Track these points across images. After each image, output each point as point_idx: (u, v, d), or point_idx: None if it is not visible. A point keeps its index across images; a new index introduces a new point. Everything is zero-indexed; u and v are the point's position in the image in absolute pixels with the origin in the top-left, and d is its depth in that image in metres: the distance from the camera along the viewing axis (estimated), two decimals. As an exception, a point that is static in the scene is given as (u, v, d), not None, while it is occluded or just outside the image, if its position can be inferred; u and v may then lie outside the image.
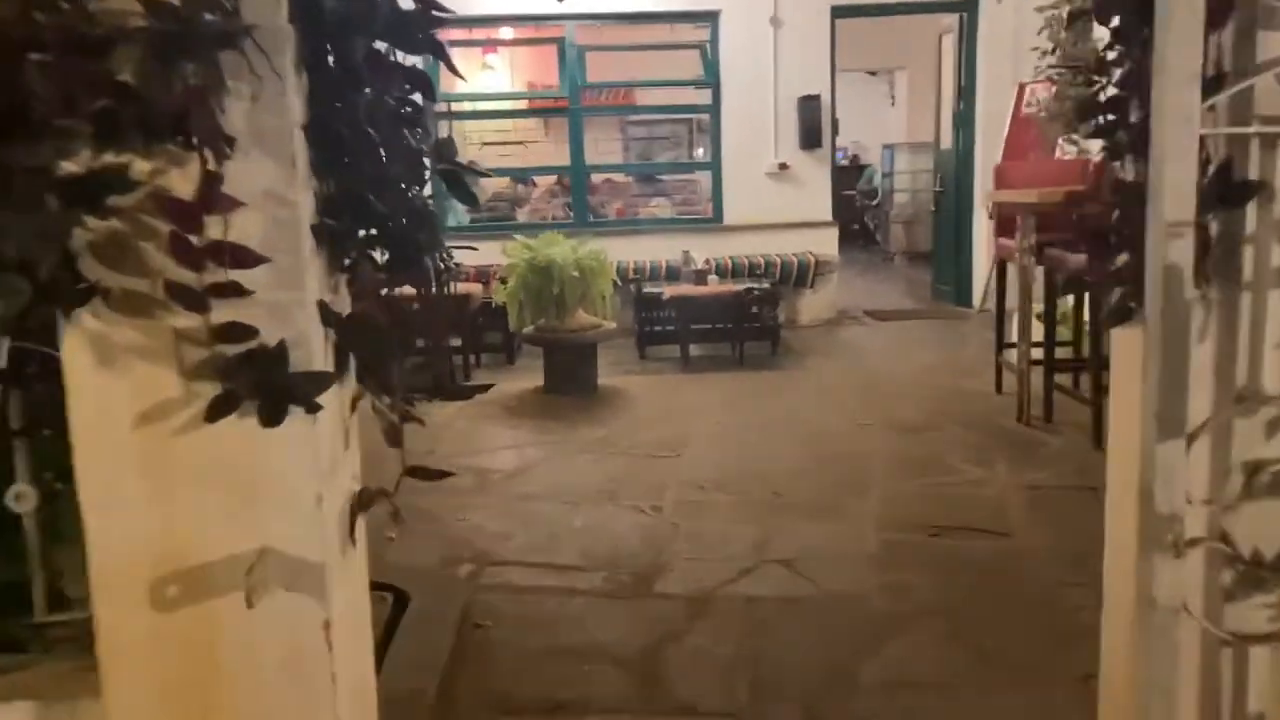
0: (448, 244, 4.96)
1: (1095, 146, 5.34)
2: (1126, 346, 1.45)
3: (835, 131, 8.67)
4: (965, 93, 8.34)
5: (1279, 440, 1.33)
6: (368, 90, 1.29)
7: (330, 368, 1.24)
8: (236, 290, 1.12)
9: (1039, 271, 4.74)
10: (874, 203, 14.24)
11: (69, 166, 1.09)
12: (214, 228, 1.11)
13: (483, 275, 7.06)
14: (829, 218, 8.27)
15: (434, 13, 1.30)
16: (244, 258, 1.11)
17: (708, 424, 5.01)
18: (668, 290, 6.82)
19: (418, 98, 1.40)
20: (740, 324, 6.69)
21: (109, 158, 1.10)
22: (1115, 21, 1.37)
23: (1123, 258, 1.40)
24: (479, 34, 8.98)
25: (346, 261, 1.29)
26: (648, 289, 7.06)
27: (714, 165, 8.34)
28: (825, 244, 8.15)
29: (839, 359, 6.78)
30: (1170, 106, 1.17)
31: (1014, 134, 7.10)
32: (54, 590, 1.47)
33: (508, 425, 5.19)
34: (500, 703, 2.42)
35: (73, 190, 1.09)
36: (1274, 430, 1.33)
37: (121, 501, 1.18)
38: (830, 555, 3.25)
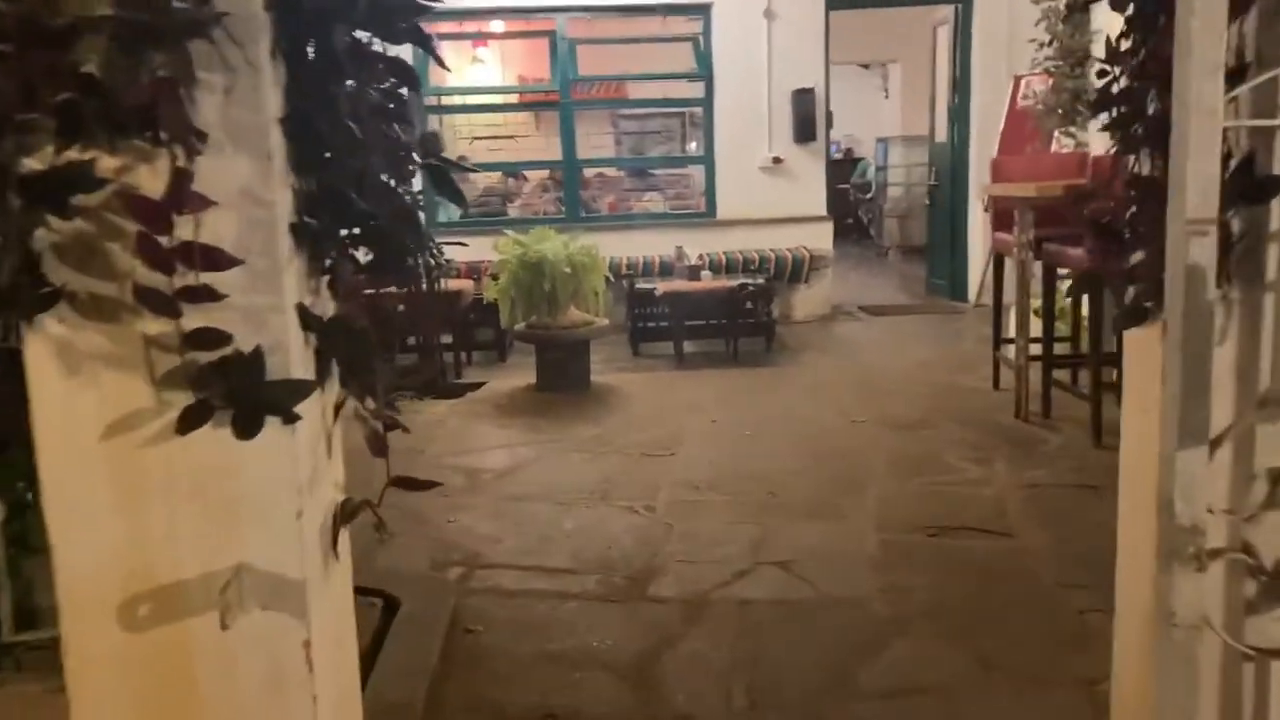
0: (438, 240, 4.89)
1: (1094, 140, 5.32)
2: (1141, 348, 1.40)
3: (829, 125, 8.62)
4: (960, 85, 8.29)
5: (1302, 446, 1.28)
6: (349, 82, 1.23)
7: (310, 374, 1.17)
8: (209, 294, 1.05)
9: (1037, 267, 4.69)
10: (868, 197, 14.19)
11: (30, 163, 1.03)
12: (185, 228, 1.05)
13: (474, 271, 7.00)
14: (823, 212, 8.21)
15: (418, 1, 1.24)
16: (217, 259, 1.05)
17: (702, 422, 4.96)
18: (661, 286, 6.76)
19: (403, 91, 1.34)
20: (734, 320, 6.63)
21: (73, 154, 1.04)
22: (1130, 9, 1.31)
23: (1137, 256, 1.35)
24: (469, 27, 8.89)
25: (327, 262, 1.22)
26: (641, 285, 7.00)
27: (707, 159, 8.28)
28: (820, 239, 8.09)
29: (834, 355, 6.73)
30: (1193, 98, 1.12)
31: (1009, 127, 7.06)
32: (26, 607, 1.41)
33: (499, 424, 5.13)
34: (491, 711, 2.36)
35: (35, 188, 1.03)
36: (1297, 436, 1.28)
37: (89, 516, 1.12)
38: (827, 556, 3.20)
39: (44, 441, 1.11)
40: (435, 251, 5.07)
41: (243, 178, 1.07)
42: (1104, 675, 2.29)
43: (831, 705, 2.34)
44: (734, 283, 6.74)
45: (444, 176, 1.26)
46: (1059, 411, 4.65)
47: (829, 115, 8.42)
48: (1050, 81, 5.98)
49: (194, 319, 1.07)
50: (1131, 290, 1.36)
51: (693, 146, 10.63)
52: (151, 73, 1.02)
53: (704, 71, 8.11)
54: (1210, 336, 1.14)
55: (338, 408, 1.32)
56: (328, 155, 1.18)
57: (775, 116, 8.07)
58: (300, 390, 1.09)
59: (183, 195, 1.03)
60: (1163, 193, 1.20)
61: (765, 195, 8.10)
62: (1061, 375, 4.85)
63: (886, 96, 14.48)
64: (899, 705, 2.34)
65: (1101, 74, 1.38)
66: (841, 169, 13.37)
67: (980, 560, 3.13)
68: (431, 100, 8.52)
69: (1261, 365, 1.26)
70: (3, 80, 1.01)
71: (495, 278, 5.84)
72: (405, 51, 1.30)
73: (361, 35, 1.25)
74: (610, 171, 9.98)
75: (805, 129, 8.02)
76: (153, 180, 1.05)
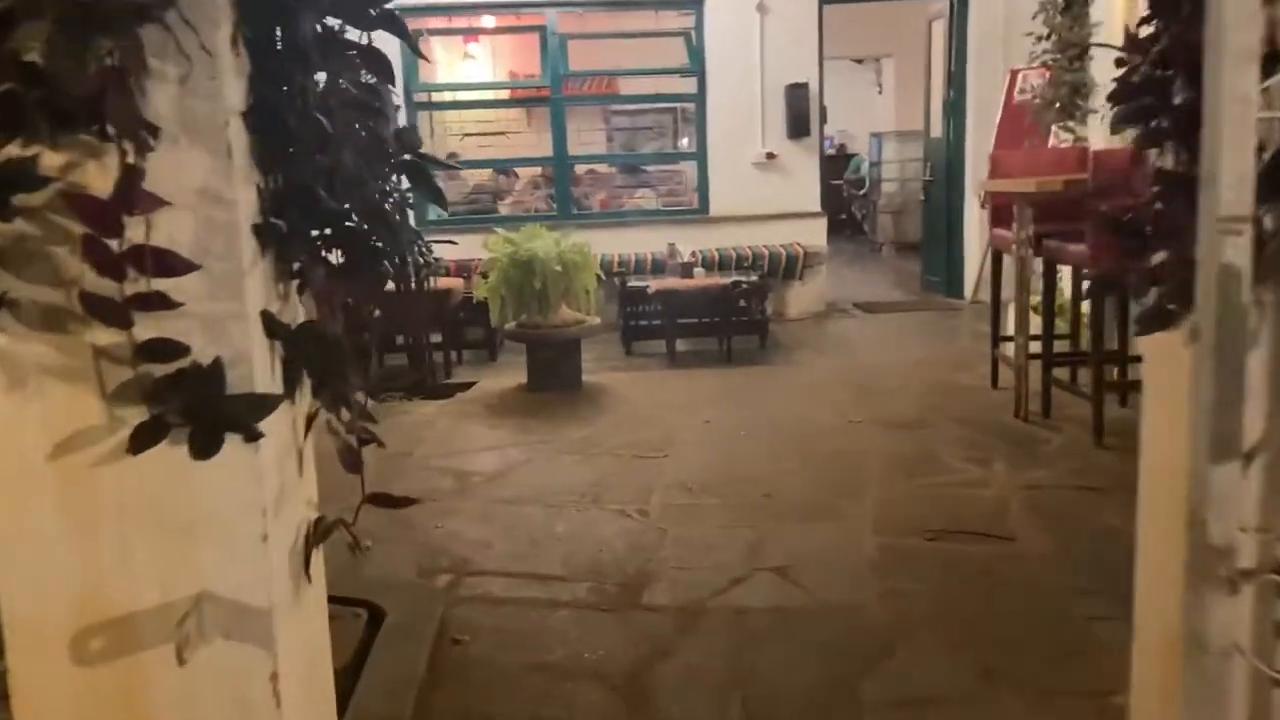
0: (427, 238, 4.75)
1: (1093, 134, 5.24)
2: (1163, 354, 1.32)
3: (823, 120, 8.53)
4: (955, 80, 8.21)
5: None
6: (319, 73, 1.14)
7: (277, 387, 1.09)
8: (163, 301, 0.97)
9: (1037, 263, 4.62)
10: (861, 192, 14.12)
11: (-33, 160, 0.95)
12: (136, 230, 0.96)
13: (464, 269, 6.91)
14: (817, 208, 8.14)
15: (393, -15, 1.16)
16: (171, 264, 0.97)
17: (695, 422, 4.88)
18: (653, 284, 6.68)
19: (378, 82, 1.25)
20: (727, 318, 6.55)
21: (14, 150, 0.95)
22: (1153, -7, 1.23)
23: (1161, 255, 1.27)
24: (460, 22, 8.78)
25: (296, 266, 1.14)
26: (633, 283, 6.91)
27: (699, 155, 8.19)
28: (814, 235, 8.01)
29: (829, 353, 6.65)
30: (1225, 87, 1.04)
31: (1006, 122, 6.99)
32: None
33: (489, 425, 5.04)
34: (480, 727, 2.28)
35: (-28, 187, 0.95)
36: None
37: (37, 541, 1.03)
38: (825, 562, 3.12)
39: (-13, 461, 1.03)
40: (424, 250, 4.95)
41: (200, 175, 0.99)
42: (1114, 687, 2.23)
43: (831, 718, 2.26)
44: (727, 280, 6.66)
45: (421, 174, 1.17)
46: (1059, 411, 4.58)
47: (823, 110, 8.34)
48: (1048, 75, 5.90)
49: (147, 329, 0.98)
50: (1154, 292, 1.28)
51: (685, 142, 10.55)
52: (99, 61, 0.94)
53: (696, 66, 8.02)
54: (1245, 342, 1.06)
55: (310, 419, 1.24)
56: (295, 151, 1.10)
57: (768, 112, 7.99)
58: (264, 405, 1.01)
59: (133, 194, 0.94)
60: (1190, 188, 1.12)
61: (758, 191, 8.02)
62: (1061, 374, 4.78)
63: (880, 91, 14.41)
64: (902, 718, 2.27)
65: (1120, 63, 1.30)
66: (835, 165, 13.29)
67: (982, 565, 3.05)
68: (422, 97, 8.42)
69: (1296, 373, 1.18)
70: (-63, 70, 0.92)
71: (485, 276, 5.75)
72: (392, 46, 1.22)
73: (333, 22, 1.16)
74: (602, 168, 9.88)
75: (799, 124, 7.94)
76: (101, 178, 0.96)
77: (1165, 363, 1.30)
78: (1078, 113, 5.50)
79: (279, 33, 1.07)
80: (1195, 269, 1.16)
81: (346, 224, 1.18)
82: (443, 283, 6.25)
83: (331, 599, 2.60)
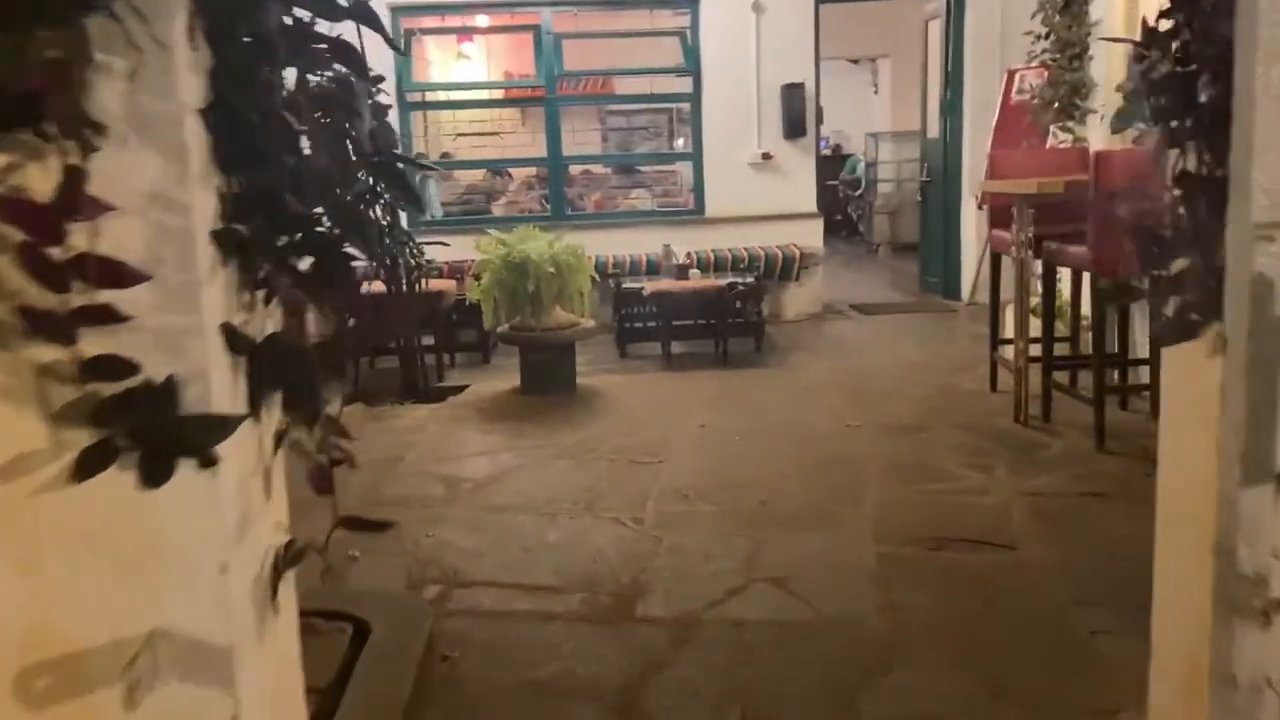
0: (419, 239, 4.66)
1: (1092, 134, 5.16)
2: (1184, 366, 1.25)
3: (819, 120, 8.47)
4: (952, 80, 8.15)
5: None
6: (286, 68, 1.06)
7: (239, 405, 1.01)
8: (110, 315, 0.89)
9: (1037, 265, 4.56)
10: (857, 193, 14.06)
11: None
12: (82, 237, 0.89)
13: (457, 271, 6.83)
14: (814, 209, 8.07)
15: (365, -27, 1.08)
16: (119, 274, 0.89)
17: (691, 426, 4.80)
18: (648, 285, 6.60)
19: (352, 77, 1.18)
20: (723, 320, 6.48)
21: (-53, 150, 0.88)
22: (1174, -15, 1.16)
23: (1182, 262, 1.19)
24: (454, 21, 8.70)
25: (262, 274, 1.06)
26: (628, 284, 6.83)
27: (695, 156, 8.12)
28: (810, 236, 7.94)
29: (826, 355, 6.58)
30: (1259, 85, 0.96)
31: (1003, 122, 6.92)
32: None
33: (481, 429, 4.97)
34: (468, 748, 2.21)
35: (-98, 191, 0.87)
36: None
37: (-23, 574, 0.96)
38: (824, 572, 3.05)
39: (-77, 487, 0.95)
40: (415, 251, 4.86)
41: (151, 177, 0.91)
42: (1121, 705, 2.16)
43: (831, 738, 2.20)
44: (723, 282, 6.58)
45: (396, 176, 1.09)
46: (1059, 415, 4.51)
47: (819, 110, 8.27)
48: (1046, 75, 5.84)
49: (94, 344, 0.91)
50: (1175, 301, 1.20)
51: (680, 143, 10.47)
52: (39, 54, 0.86)
53: (691, 66, 7.94)
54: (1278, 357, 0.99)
55: (280, 436, 1.16)
56: (259, 151, 1.02)
57: (764, 112, 7.92)
58: (222, 427, 0.93)
59: (76, 198, 0.87)
60: (1214, 192, 1.05)
61: (754, 192, 7.94)
62: (1060, 377, 4.71)
63: (876, 92, 14.35)
64: (903, 738, 2.20)
65: (1139, 58, 1.23)
66: (830, 165, 13.21)
67: (983, 575, 2.98)
68: (415, 96, 8.34)
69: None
70: None
71: (478, 278, 5.68)
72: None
73: (302, 14, 1.09)
74: (597, 168, 9.80)
75: (795, 124, 7.87)
76: (42, 181, 0.88)
77: (1186, 375, 1.22)
78: (1077, 113, 5.43)
79: (241, 24, 0.99)
80: (1222, 278, 1.08)
81: (317, 229, 1.10)
82: (435, 284, 6.16)
83: (315, 613, 2.53)
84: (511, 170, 9.71)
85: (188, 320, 0.93)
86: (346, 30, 1.15)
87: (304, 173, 1.06)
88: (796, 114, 7.84)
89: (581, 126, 10.57)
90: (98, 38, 0.88)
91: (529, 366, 5.61)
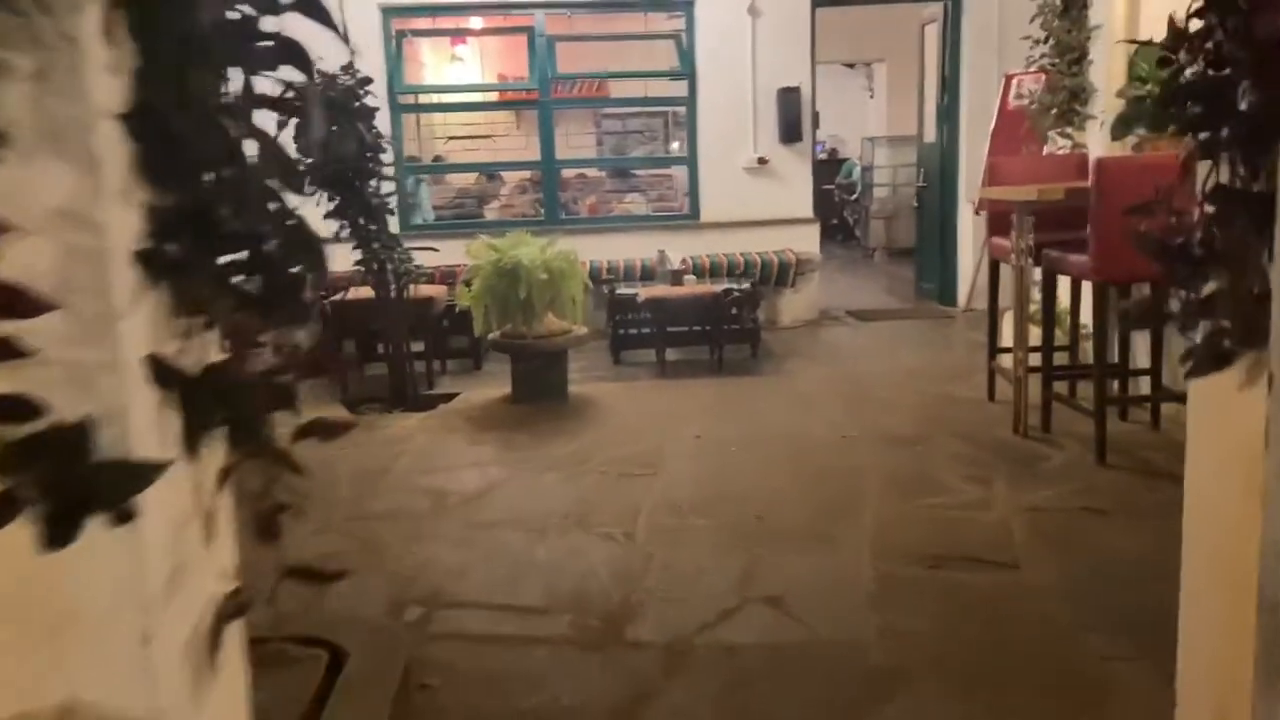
0: (409, 244, 4.56)
1: (1091, 140, 5.07)
2: (1214, 398, 1.14)
3: (816, 125, 8.38)
4: (949, 85, 8.06)
5: None
6: (226, 68, 0.96)
7: (169, 446, 0.91)
8: (11, 350, 0.79)
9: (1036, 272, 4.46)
10: (853, 197, 13.97)
11: None
12: (-21, 260, 0.78)
13: (449, 276, 6.73)
14: (810, 214, 7.97)
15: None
16: (21, 302, 0.78)
17: (685, 436, 4.70)
18: (642, 291, 6.49)
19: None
20: (719, 326, 6.37)
21: None
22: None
23: (1214, 284, 1.09)
24: (446, 23, 8.60)
25: (201, 297, 0.96)
26: (621, 290, 6.72)
27: (690, 160, 8.01)
28: (806, 241, 7.84)
29: (822, 363, 6.48)
30: (1309, 88, 0.86)
31: (1001, 127, 6.83)
32: None
33: (471, 439, 4.85)
34: (446, 785, 2.10)
35: None
36: None
37: None
38: (821, 592, 2.94)
39: None
40: (403, 257, 4.77)
41: (62, 193, 0.81)
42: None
43: (828, 775, 2.09)
44: (718, 288, 6.48)
45: (350, 186, 0.99)
46: (1059, 426, 4.41)
47: (815, 115, 8.17)
48: (1044, 80, 5.75)
49: (-5, 382, 0.80)
50: (1205, 327, 1.10)
51: (676, 146, 10.38)
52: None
53: (687, 69, 7.85)
54: (1330, 395, 0.88)
55: (225, 474, 1.05)
56: (192, 162, 0.91)
57: (760, 116, 7.82)
58: (140, 475, 0.82)
59: (-30, 217, 0.76)
60: (1255, 208, 0.94)
61: (750, 197, 7.85)
62: (1060, 387, 4.62)
63: (872, 96, 14.26)
64: (904, 774, 2.10)
65: (1164, 62, 1.13)
66: (826, 169, 13.12)
67: (985, 596, 2.88)
68: (408, 99, 8.23)
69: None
70: None
71: (469, 284, 5.56)
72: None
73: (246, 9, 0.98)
74: (591, 172, 9.70)
75: (791, 129, 7.77)
76: (-65, 196, 0.78)
77: (1216, 407, 1.12)
78: (1076, 118, 5.33)
79: (170, 18, 0.88)
80: (1259, 302, 0.98)
81: (263, 247, 0.99)
82: (425, 290, 6.04)
83: (288, 639, 2.43)
84: (504, 174, 9.60)
85: (103, 354, 0.82)
86: (306, 28, 1.05)
87: (245, 184, 0.96)
88: (793, 118, 7.74)
89: (576, 130, 10.49)
90: (-2, 34, 0.77)
91: (520, 375, 5.50)
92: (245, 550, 1.17)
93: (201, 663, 0.98)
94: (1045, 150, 5.72)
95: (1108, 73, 4.85)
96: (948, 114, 8.12)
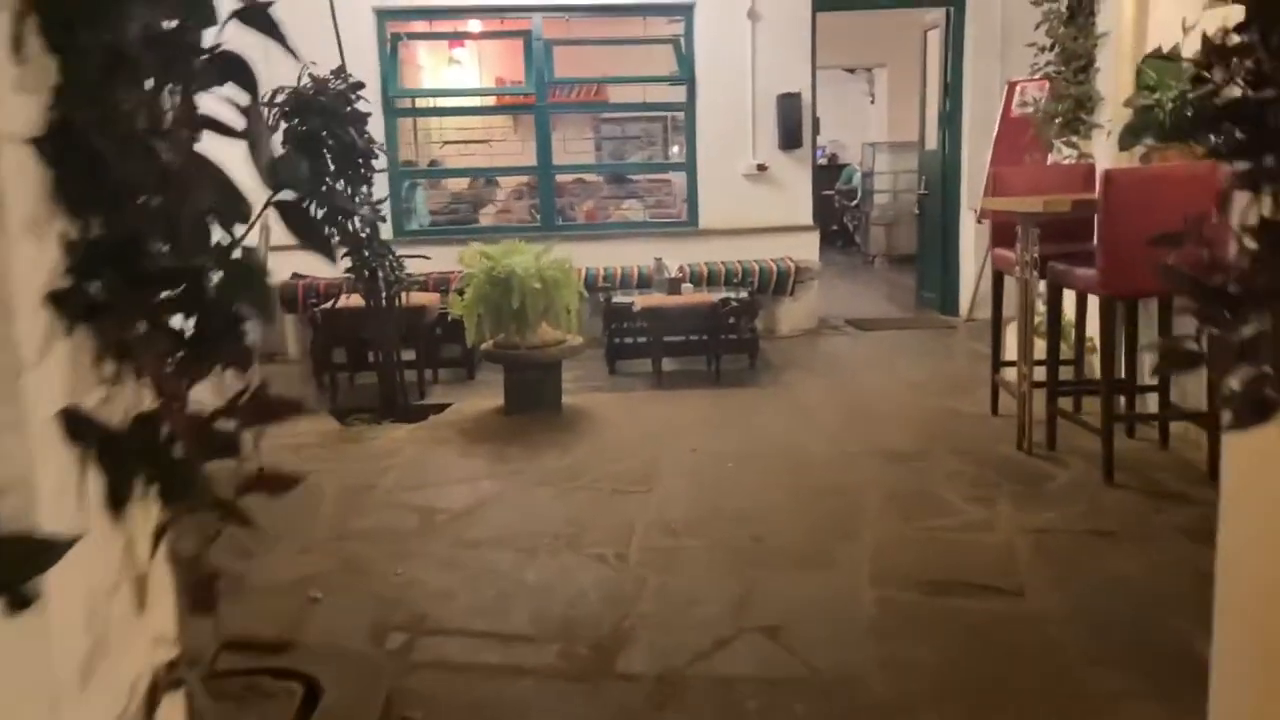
0: (402, 251, 4.43)
1: (1098, 150, 4.97)
2: (1251, 451, 1.04)
3: (816, 131, 8.28)
4: (951, 91, 7.97)
5: None
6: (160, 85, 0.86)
7: (89, 511, 0.80)
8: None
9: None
10: (853, 203, 13.88)
11: None
12: None
13: (442, 283, 6.63)
14: (809, 222, 7.87)
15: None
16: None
17: (681, 450, 4.59)
18: (639, 300, 6.38)
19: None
20: (716, 336, 6.26)
21: None
22: (1250, -8, 0.96)
23: (1254, 326, 0.99)
24: (443, 27, 8.50)
25: (126, 342, 0.85)
26: (618, 299, 6.61)
27: (689, 166, 7.91)
28: (806, 249, 7.74)
29: (821, 374, 6.37)
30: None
31: (1004, 135, 6.74)
32: None
33: (461, 452, 4.75)
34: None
35: None
36: None
37: None
38: (819, 620, 2.84)
39: None
40: (395, 265, 4.65)
41: (-44, 228, 0.70)
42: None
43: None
44: (716, 297, 6.36)
45: (299, 217, 0.89)
46: (1064, 443, 4.31)
47: (816, 121, 8.08)
48: (1048, 87, 5.65)
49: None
50: (1245, 371, 1.00)
51: (675, 150, 10.28)
52: None
53: (686, 74, 7.75)
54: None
55: (161, 531, 0.95)
56: (117, 190, 0.81)
57: (760, 122, 7.72)
58: (42, 554, 0.72)
59: None
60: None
61: (749, 204, 7.75)
62: (1065, 403, 4.52)
63: (872, 101, 14.18)
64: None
65: (1199, 80, 1.02)
66: (826, 175, 13.03)
67: (989, 626, 2.77)
68: (405, 103, 8.14)
69: None
70: None
71: (461, 293, 5.46)
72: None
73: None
74: (588, 177, 9.60)
75: (791, 135, 7.67)
76: None
77: (1254, 461, 1.02)
78: (1082, 127, 5.24)
79: (91, 31, 0.78)
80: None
81: (201, 282, 0.89)
82: (418, 298, 5.94)
83: (262, 671, 2.32)
84: (500, 179, 9.51)
85: (4, 412, 0.72)
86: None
87: (179, 214, 0.86)
88: (792, 124, 7.65)
89: (573, 135, 10.40)
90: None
91: (513, 385, 5.39)
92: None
93: (128, 748, 0.87)
94: (1050, 159, 5.63)
95: (1115, 81, 4.76)
96: (949, 120, 8.03)
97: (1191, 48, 3.81)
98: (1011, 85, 6.80)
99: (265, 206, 0.92)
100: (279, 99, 4.73)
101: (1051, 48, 5.35)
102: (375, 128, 5.84)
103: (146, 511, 0.92)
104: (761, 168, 7.74)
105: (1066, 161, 5.34)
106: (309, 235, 0.94)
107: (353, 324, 5.64)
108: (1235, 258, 1.01)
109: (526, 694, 2.49)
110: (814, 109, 7.88)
